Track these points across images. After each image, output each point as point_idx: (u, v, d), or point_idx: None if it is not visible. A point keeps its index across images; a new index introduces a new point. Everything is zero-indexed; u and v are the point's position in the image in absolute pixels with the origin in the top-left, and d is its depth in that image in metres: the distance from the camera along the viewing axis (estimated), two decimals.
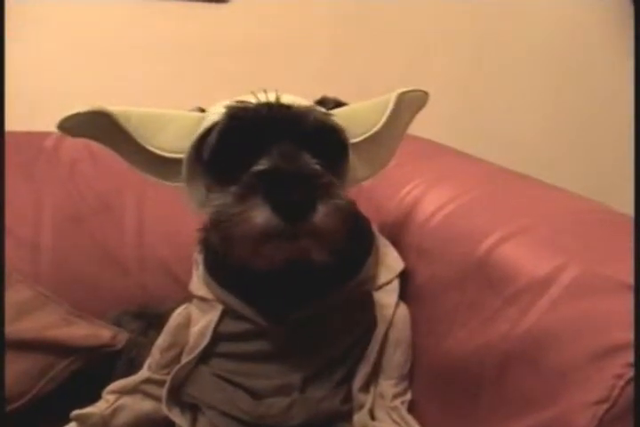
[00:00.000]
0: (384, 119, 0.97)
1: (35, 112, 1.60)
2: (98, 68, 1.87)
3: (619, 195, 1.41)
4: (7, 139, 1.57)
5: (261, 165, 0.84)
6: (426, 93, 1.02)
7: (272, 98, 0.90)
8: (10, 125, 1.56)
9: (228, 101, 0.91)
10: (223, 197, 0.85)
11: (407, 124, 1.05)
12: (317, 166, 0.86)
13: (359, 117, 0.98)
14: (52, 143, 1.67)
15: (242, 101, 0.90)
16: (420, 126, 1.14)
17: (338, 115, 0.95)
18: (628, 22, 2.00)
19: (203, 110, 0.98)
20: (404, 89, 0.98)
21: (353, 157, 0.96)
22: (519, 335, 0.80)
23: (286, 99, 0.91)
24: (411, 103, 1.02)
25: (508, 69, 2.09)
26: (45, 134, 1.67)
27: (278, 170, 0.83)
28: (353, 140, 0.96)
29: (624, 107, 2.04)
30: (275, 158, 0.84)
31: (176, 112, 0.95)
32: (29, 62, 1.83)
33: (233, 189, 0.84)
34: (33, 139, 1.67)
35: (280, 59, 1.91)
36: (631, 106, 1.94)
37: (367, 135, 0.97)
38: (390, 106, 0.97)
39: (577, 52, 2.11)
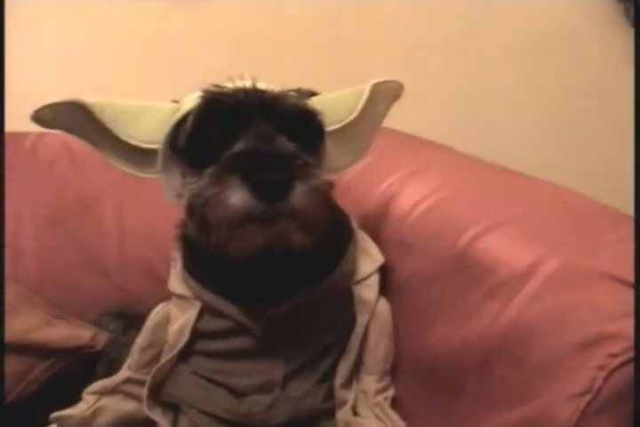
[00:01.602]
0: (359, 108, 0.96)
1: (12, 112, 1.58)
2: (88, 65, 1.87)
3: (613, 192, 1.40)
4: None
5: (237, 147, 0.84)
6: (401, 85, 1.01)
7: (248, 83, 0.90)
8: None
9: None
10: (199, 180, 0.85)
11: (383, 115, 1.05)
12: (294, 148, 0.85)
13: (334, 106, 0.97)
14: (30, 144, 1.67)
15: (218, 86, 0.90)
16: (404, 120, 1.13)
17: (313, 102, 0.95)
18: (624, 21, 1.99)
19: (177, 102, 0.97)
20: (379, 79, 0.98)
21: (329, 146, 0.96)
22: (500, 329, 0.79)
23: (262, 85, 0.91)
24: (386, 94, 1.01)
25: (497, 64, 2.07)
26: (23, 135, 1.66)
27: (255, 151, 0.83)
28: (328, 129, 0.96)
29: (622, 105, 2.04)
30: (251, 140, 0.84)
31: (151, 103, 0.95)
32: (19, 62, 1.81)
33: (209, 170, 0.84)
34: (10, 139, 1.64)
35: (267, 53, 1.90)
36: (631, 105, 1.93)
37: (342, 124, 0.97)
38: (365, 95, 0.96)
39: (573, 48, 2.09)
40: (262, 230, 0.82)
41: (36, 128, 0.90)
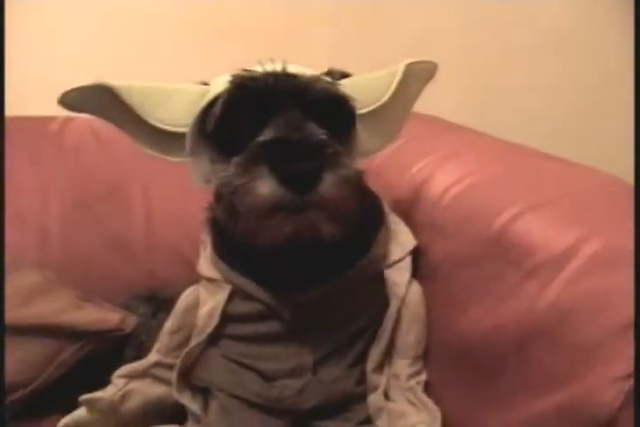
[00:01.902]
0: (391, 90, 0.94)
1: (38, 97, 1.59)
2: (103, 49, 1.85)
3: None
4: (12, 123, 1.57)
5: (266, 135, 0.83)
6: (435, 65, 0.99)
7: (278, 67, 0.89)
8: (16, 110, 1.56)
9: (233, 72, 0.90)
10: (227, 168, 0.83)
11: (415, 96, 1.03)
12: (324, 136, 0.84)
13: (366, 88, 0.95)
14: (57, 127, 1.67)
15: (247, 70, 0.89)
16: (431, 104, 1.12)
17: (344, 85, 0.93)
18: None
19: (206, 84, 0.96)
20: (412, 60, 0.95)
21: (360, 129, 0.95)
22: (539, 311, 0.77)
23: (292, 69, 0.89)
24: (419, 75, 0.99)
25: (522, 46, 2.05)
26: (50, 119, 1.66)
27: (284, 139, 0.81)
28: (359, 112, 0.94)
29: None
30: (280, 128, 0.83)
31: (180, 85, 0.94)
32: (33, 48, 1.82)
33: (237, 159, 0.82)
34: (37, 123, 1.67)
35: (286, 33, 1.88)
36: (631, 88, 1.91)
37: (374, 107, 0.95)
38: (398, 77, 0.94)
39: (588, 32, 2.07)
40: (290, 220, 0.81)
41: (61, 112, 0.90)
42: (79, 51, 1.85)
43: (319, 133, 0.84)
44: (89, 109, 0.90)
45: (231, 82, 0.87)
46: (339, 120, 0.90)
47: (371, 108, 0.95)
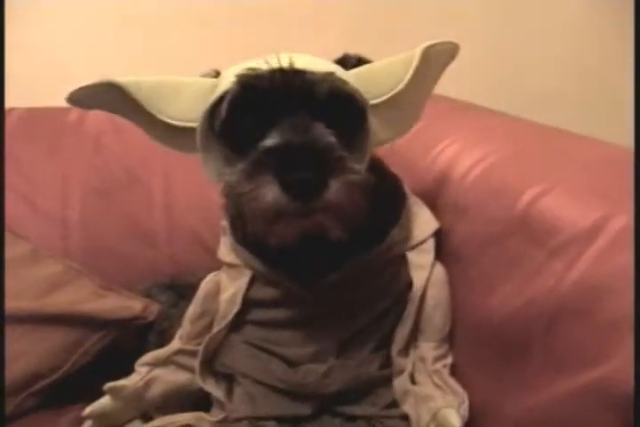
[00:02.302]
0: (408, 77, 0.89)
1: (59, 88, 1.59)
2: (118, 40, 1.86)
3: None
4: (31, 114, 1.58)
5: (272, 139, 0.80)
6: (455, 45, 0.93)
7: (285, 63, 0.84)
8: (33, 102, 1.56)
9: (241, 66, 0.86)
10: (235, 172, 0.81)
11: (435, 80, 0.97)
12: (331, 138, 0.81)
13: (381, 76, 0.91)
14: (76, 117, 1.67)
15: (252, 69, 0.84)
16: (449, 86, 1.10)
17: (358, 75, 0.90)
18: None
19: (219, 73, 0.93)
20: (431, 42, 0.90)
21: (374, 120, 0.90)
22: (568, 288, 0.76)
23: (301, 61, 0.84)
24: (438, 58, 0.93)
25: (537, 27, 2.03)
26: (69, 109, 1.66)
27: (289, 145, 0.79)
28: (375, 101, 0.90)
29: None
30: (286, 131, 0.80)
31: (190, 79, 0.91)
32: (47, 39, 1.84)
33: (240, 166, 0.81)
34: (56, 113, 1.67)
35: (304, 17, 1.86)
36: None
37: (389, 95, 0.90)
38: (414, 63, 0.89)
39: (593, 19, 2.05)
40: (297, 224, 0.80)
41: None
42: (83, 41, 1.86)
43: (326, 136, 0.81)
44: (99, 106, 0.90)
45: (236, 82, 0.83)
46: (348, 117, 0.86)
47: (386, 96, 0.91)
